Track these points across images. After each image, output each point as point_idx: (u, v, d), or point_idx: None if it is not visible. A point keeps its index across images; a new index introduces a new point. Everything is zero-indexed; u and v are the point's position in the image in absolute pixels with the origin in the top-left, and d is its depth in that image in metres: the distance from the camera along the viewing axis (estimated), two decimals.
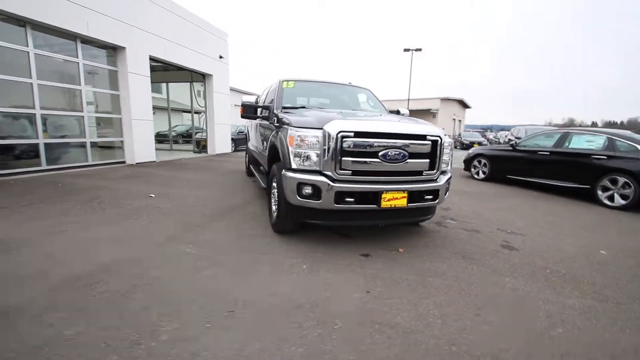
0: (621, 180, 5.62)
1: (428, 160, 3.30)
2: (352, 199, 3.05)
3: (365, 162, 3.07)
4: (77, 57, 7.43)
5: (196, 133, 14.20)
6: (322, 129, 3.04)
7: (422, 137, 3.24)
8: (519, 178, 7.46)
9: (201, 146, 13.54)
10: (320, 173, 3.08)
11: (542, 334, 2.08)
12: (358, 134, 3.03)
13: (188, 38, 10.65)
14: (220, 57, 12.49)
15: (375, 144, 3.07)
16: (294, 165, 3.16)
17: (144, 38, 8.86)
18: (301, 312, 2.19)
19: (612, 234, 4.31)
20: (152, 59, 9.31)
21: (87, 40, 7.60)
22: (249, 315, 2.13)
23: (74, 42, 7.35)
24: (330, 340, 1.92)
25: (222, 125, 13.15)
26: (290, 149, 3.19)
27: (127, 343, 1.81)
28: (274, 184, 3.83)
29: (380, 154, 3.09)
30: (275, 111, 4.25)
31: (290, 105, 4.37)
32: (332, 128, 3.00)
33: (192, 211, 4.48)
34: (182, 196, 5.30)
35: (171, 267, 2.78)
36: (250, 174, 7.56)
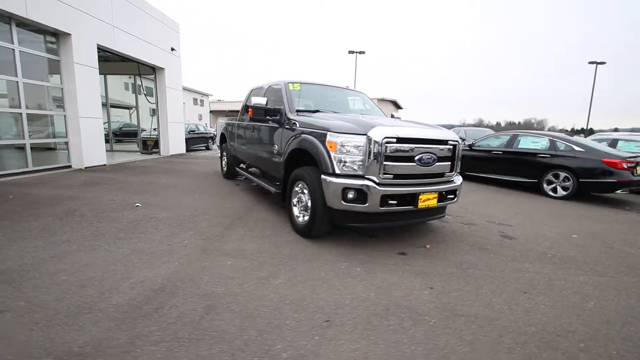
0: (562, 175, 6.80)
1: (449, 163, 3.64)
2: (394, 202, 3.22)
3: (404, 166, 3.27)
4: (13, 43, 6.20)
5: (142, 132, 12.89)
6: (366, 134, 3.15)
7: (446, 142, 3.56)
8: (477, 175, 8.46)
9: (151, 147, 12.35)
10: (363, 177, 3.18)
11: (583, 307, 2.52)
12: (400, 140, 3.21)
13: (139, 27, 9.60)
14: (172, 49, 11.52)
15: (414, 149, 3.29)
16: (337, 171, 3.21)
17: (92, 24, 7.76)
18: (392, 313, 2.29)
19: (570, 220, 5.24)
20: (100, 48, 8.19)
21: (23, 24, 6.39)
22: (347, 322, 2.16)
23: (7, 25, 6.12)
24: (436, 336, 2.07)
25: (176, 124, 12.17)
26: (332, 154, 3.23)
27: None
28: (299, 189, 3.80)
29: (416, 158, 3.32)
30: (289, 115, 4.20)
31: (303, 109, 4.36)
32: (377, 134, 3.13)
33: (197, 221, 4.17)
34: (172, 205, 4.87)
35: (230, 281, 2.62)
36: (230, 177, 7.21)
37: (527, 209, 5.84)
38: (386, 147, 3.15)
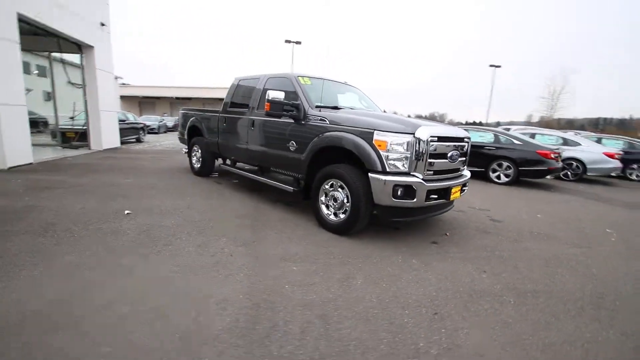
0: (505, 164, 8.06)
1: (464, 158, 4.05)
2: (435, 196, 3.47)
3: (441, 163, 3.55)
4: None
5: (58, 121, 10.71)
6: (413, 134, 3.30)
7: (464, 140, 3.95)
8: None
9: (74, 139, 10.38)
10: (409, 174, 3.35)
11: (592, 274, 3.16)
12: (440, 139, 3.46)
13: None
14: (102, 24, 9.75)
15: (448, 147, 3.58)
16: (387, 169, 3.30)
17: None
18: (477, 298, 2.54)
19: (524, 202, 6.30)
20: (21, 19, 6.49)
21: None
22: (452, 312, 2.33)
23: None
24: (526, 312, 2.39)
25: (109, 113, 10.44)
26: (382, 153, 3.30)
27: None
28: (329, 187, 3.79)
29: (448, 155, 3.62)
30: (310, 110, 4.09)
31: (322, 105, 4.28)
32: (424, 133, 3.31)
33: (214, 226, 3.81)
34: (167, 210, 4.31)
35: (315, 287, 2.53)
36: (204, 174, 6.60)
37: (487, 194, 6.80)
38: (431, 145, 3.37)
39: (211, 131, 6.12)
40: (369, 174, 3.36)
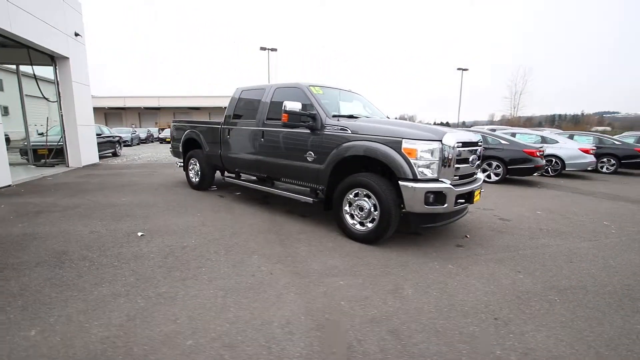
0: (494, 163, 8.42)
1: (479, 162, 4.19)
2: (462, 200, 3.55)
3: (465, 167, 3.64)
4: None
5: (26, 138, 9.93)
6: (440, 140, 3.37)
7: (479, 143, 4.08)
8: None
9: (48, 157, 9.66)
10: (437, 180, 3.40)
11: (611, 266, 3.35)
12: (464, 144, 3.56)
13: (36, 3, 7.35)
14: (77, 34, 9.19)
15: (470, 152, 3.69)
16: (418, 176, 3.34)
17: None
18: (526, 299, 2.61)
19: (520, 200, 6.60)
20: None
21: None
22: (510, 316, 2.38)
23: None
24: (579, 309, 2.48)
25: (87, 127, 9.82)
26: (412, 160, 3.34)
27: None
28: (354, 197, 3.77)
29: (470, 159, 3.73)
30: (328, 120, 4.07)
31: (339, 114, 4.27)
32: (451, 140, 3.39)
33: (240, 242, 3.67)
34: (180, 229, 4.11)
35: (371, 301, 2.49)
36: (203, 187, 6.37)
37: (483, 194, 7.06)
38: (457, 151, 3.45)
39: (212, 143, 5.92)
40: (400, 182, 3.38)
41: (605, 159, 11.13)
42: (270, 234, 4.00)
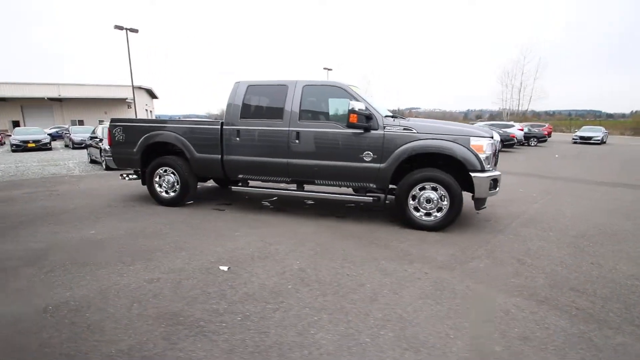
0: None
1: None
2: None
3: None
4: None
5: None
6: (492, 137, 4.13)
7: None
8: None
9: None
10: (491, 170, 4.16)
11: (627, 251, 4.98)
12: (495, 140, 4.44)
13: None
14: None
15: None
16: (485, 167, 4.00)
17: None
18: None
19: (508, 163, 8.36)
20: None
21: None
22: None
23: None
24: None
25: None
26: (480, 155, 3.97)
27: None
28: (421, 190, 4.11)
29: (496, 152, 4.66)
30: (386, 120, 4.23)
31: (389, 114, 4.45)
32: (496, 137, 4.21)
33: (350, 251, 3.45)
34: (257, 254, 3.45)
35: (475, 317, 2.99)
36: (177, 203, 5.17)
37: None
38: (498, 145, 4.30)
39: (206, 147, 4.88)
40: (472, 174, 3.96)
41: (532, 138, 20.23)
42: (357, 239, 3.87)
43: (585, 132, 23.44)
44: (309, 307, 2.40)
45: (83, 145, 16.63)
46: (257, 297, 2.54)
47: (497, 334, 2.13)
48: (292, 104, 4.54)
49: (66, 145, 18.92)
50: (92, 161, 11.16)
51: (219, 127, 4.84)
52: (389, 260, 3.25)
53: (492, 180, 4.05)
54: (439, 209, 4.15)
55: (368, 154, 4.26)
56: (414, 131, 4.15)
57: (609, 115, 71.12)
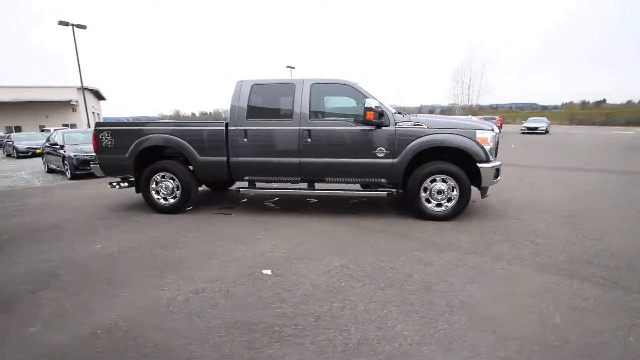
0: None
1: None
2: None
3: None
4: None
5: None
6: (493, 130, 4.44)
7: None
8: None
9: None
10: (494, 161, 4.47)
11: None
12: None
13: None
14: None
15: None
16: (490, 159, 4.29)
17: None
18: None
19: None
20: None
21: None
22: None
23: None
24: None
25: None
26: (485, 147, 4.25)
27: None
28: (431, 182, 4.31)
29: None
30: (397, 116, 4.37)
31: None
32: (495, 129, 4.52)
33: (379, 245, 3.52)
34: (280, 261, 3.40)
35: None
36: (178, 209, 4.90)
37: None
38: (497, 137, 4.62)
39: (211, 149, 4.67)
40: (479, 165, 4.24)
41: None
42: (378, 233, 3.96)
43: (531, 123, 25.78)
44: (373, 301, 2.44)
45: (30, 153, 15.04)
46: (316, 297, 2.52)
47: (551, 307, 2.34)
48: (302, 103, 4.50)
49: (8, 155, 16.81)
50: (50, 170, 10.10)
51: (224, 128, 4.65)
52: (421, 251, 3.39)
53: (496, 169, 4.36)
54: (449, 199, 4.39)
55: (381, 149, 4.37)
56: (424, 126, 4.33)
57: (544, 107, 78.98)
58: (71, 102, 33.71)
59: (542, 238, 3.71)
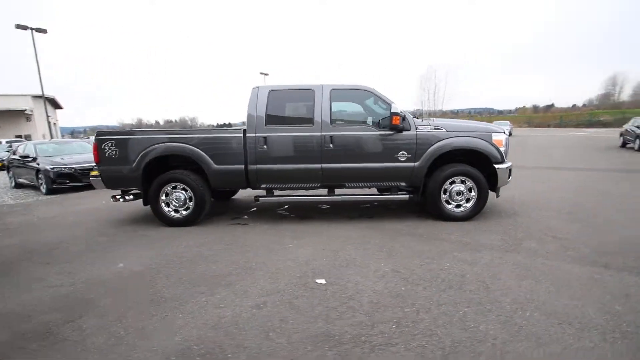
0: None
1: None
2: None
3: None
4: None
5: None
6: (504, 132, 4.67)
7: None
8: None
9: None
10: (506, 162, 4.70)
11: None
12: None
13: None
14: None
15: None
16: (505, 159, 4.49)
17: None
18: None
19: None
20: None
21: None
22: None
23: None
24: None
25: None
26: (501, 148, 4.46)
27: None
28: (450, 184, 4.45)
29: None
30: (416, 120, 4.47)
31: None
32: (507, 131, 4.75)
33: (414, 249, 3.54)
34: (328, 269, 3.33)
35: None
36: (193, 221, 4.66)
37: None
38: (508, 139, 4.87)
39: (229, 156, 4.49)
40: (496, 165, 4.44)
41: None
42: (409, 236, 4.01)
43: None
44: (444, 304, 2.45)
45: None
46: (385, 303, 2.49)
47: (607, 296, 2.48)
48: (322, 109, 4.47)
49: None
50: (19, 185, 9.19)
51: (242, 135, 4.50)
52: (459, 252, 3.46)
53: (509, 170, 4.59)
54: (467, 200, 4.54)
55: (403, 153, 4.45)
56: (444, 130, 4.47)
57: (500, 112, 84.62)
58: (25, 112, 31.09)
59: (561, 233, 3.92)
